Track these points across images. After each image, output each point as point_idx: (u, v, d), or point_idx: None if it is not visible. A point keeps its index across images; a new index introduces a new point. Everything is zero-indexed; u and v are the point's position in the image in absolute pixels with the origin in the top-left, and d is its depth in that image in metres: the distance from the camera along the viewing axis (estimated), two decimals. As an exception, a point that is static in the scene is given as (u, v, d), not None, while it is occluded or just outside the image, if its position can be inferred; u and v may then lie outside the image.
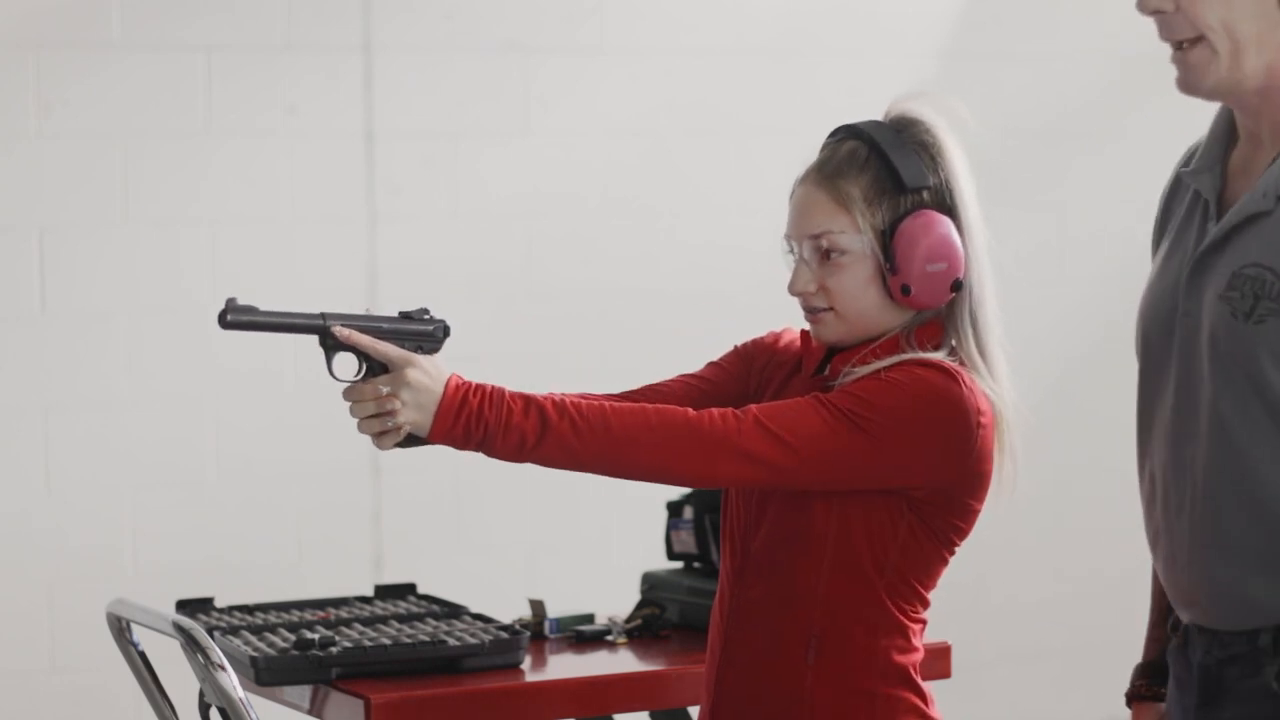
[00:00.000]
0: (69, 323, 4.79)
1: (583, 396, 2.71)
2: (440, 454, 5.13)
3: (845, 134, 2.75)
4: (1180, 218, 2.52)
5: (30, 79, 4.74)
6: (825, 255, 2.69)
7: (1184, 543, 2.43)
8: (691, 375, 2.85)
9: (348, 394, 2.63)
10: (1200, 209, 2.48)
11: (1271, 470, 2.34)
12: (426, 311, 2.68)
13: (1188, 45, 2.39)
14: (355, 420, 2.64)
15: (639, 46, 5.34)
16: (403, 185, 5.09)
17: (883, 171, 2.69)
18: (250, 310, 2.63)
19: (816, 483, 2.63)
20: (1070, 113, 5.85)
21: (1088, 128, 5.88)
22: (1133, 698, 2.70)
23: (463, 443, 2.61)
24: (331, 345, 2.64)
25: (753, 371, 2.84)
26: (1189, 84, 2.41)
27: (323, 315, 2.64)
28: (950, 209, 2.70)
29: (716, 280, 5.37)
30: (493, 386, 2.61)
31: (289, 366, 4.92)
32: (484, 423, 2.58)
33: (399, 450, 2.66)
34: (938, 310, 2.72)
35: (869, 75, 5.50)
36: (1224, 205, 2.44)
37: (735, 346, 2.89)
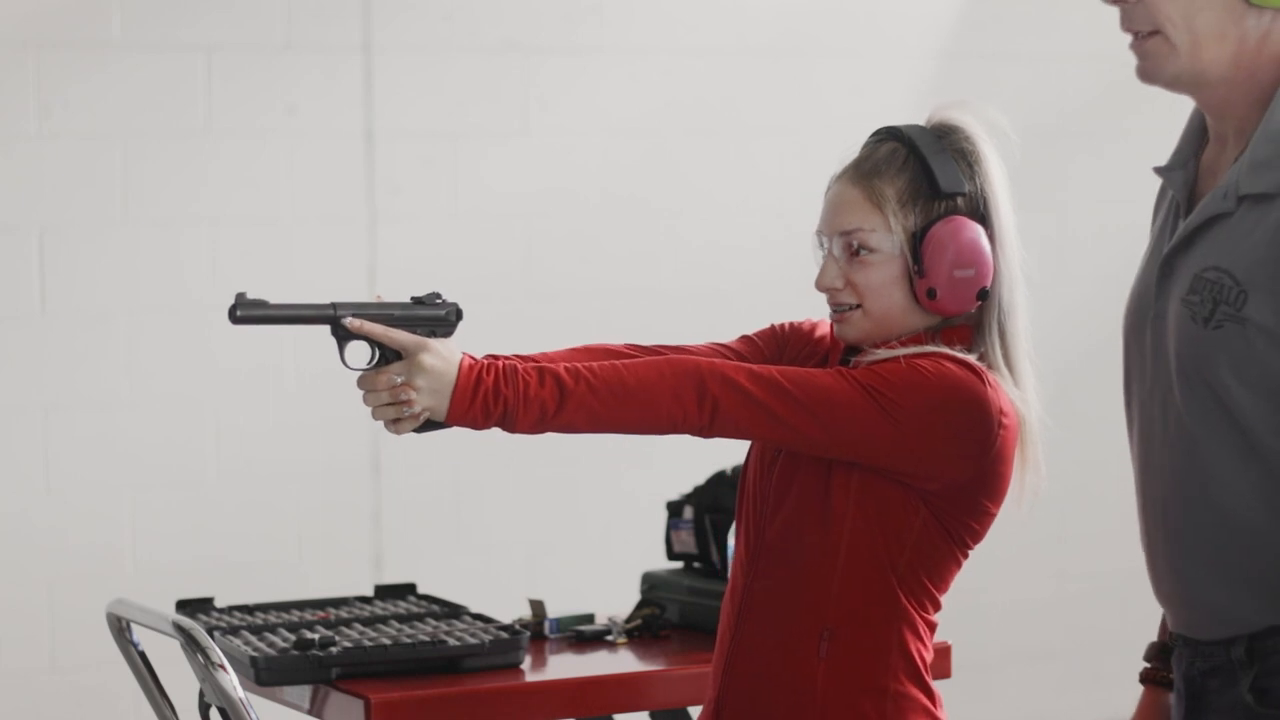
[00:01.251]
0: (69, 323, 4.79)
1: (606, 349, 2.74)
2: (440, 454, 5.15)
3: (886, 135, 2.76)
4: (1161, 216, 2.51)
5: (30, 79, 4.74)
6: (854, 253, 2.70)
7: (1160, 548, 2.42)
8: (722, 344, 2.85)
9: (362, 383, 2.62)
10: (1173, 208, 2.47)
11: (1234, 479, 2.30)
12: (439, 296, 2.67)
13: (1144, 35, 2.37)
14: (370, 408, 2.62)
15: (638, 46, 5.34)
16: (403, 185, 5.08)
17: (919, 174, 2.70)
18: (260, 304, 2.62)
19: (825, 443, 2.63)
20: (1070, 113, 5.85)
21: (1088, 128, 5.88)
22: (1144, 679, 2.65)
23: (482, 421, 2.59)
24: (343, 335, 2.63)
25: (785, 354, 2.84)
26: (1147, 73, 2.38)
27: (333, 305, 2.63)
28: (984, 217, 2.71)
29: (716, 280, 5.37)
30: (505, 362, 2.61)
31: (289, 366, 4.92)
32: (502, 399, 2.57)
33: (414, 435, 2.64)
34: (965, 317, 2.73)
35: (869, 75, 5.50)
36: (1194, 204, 2.42)
37: (773, 325, 2.89)
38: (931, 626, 2.73)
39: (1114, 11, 2.41)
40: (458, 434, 5.27)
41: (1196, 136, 2.47)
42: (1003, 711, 5.71)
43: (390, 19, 5.06)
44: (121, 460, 4.83)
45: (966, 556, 2.73)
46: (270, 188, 4.96)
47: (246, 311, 2.62)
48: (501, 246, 5.18)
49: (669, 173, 5.37)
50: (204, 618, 3.56)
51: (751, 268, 5.35)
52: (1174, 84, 2.38)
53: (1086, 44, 5.80)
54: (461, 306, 2.68)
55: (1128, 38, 2.41)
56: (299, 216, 4.98)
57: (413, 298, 2.67)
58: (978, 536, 2.72)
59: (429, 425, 2.61)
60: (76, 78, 4.77)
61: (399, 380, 2.58)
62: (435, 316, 2.65)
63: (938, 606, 2.73)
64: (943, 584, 2.72)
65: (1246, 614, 2.32)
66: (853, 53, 5.56)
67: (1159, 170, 2.49)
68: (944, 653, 3.37)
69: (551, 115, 5.24)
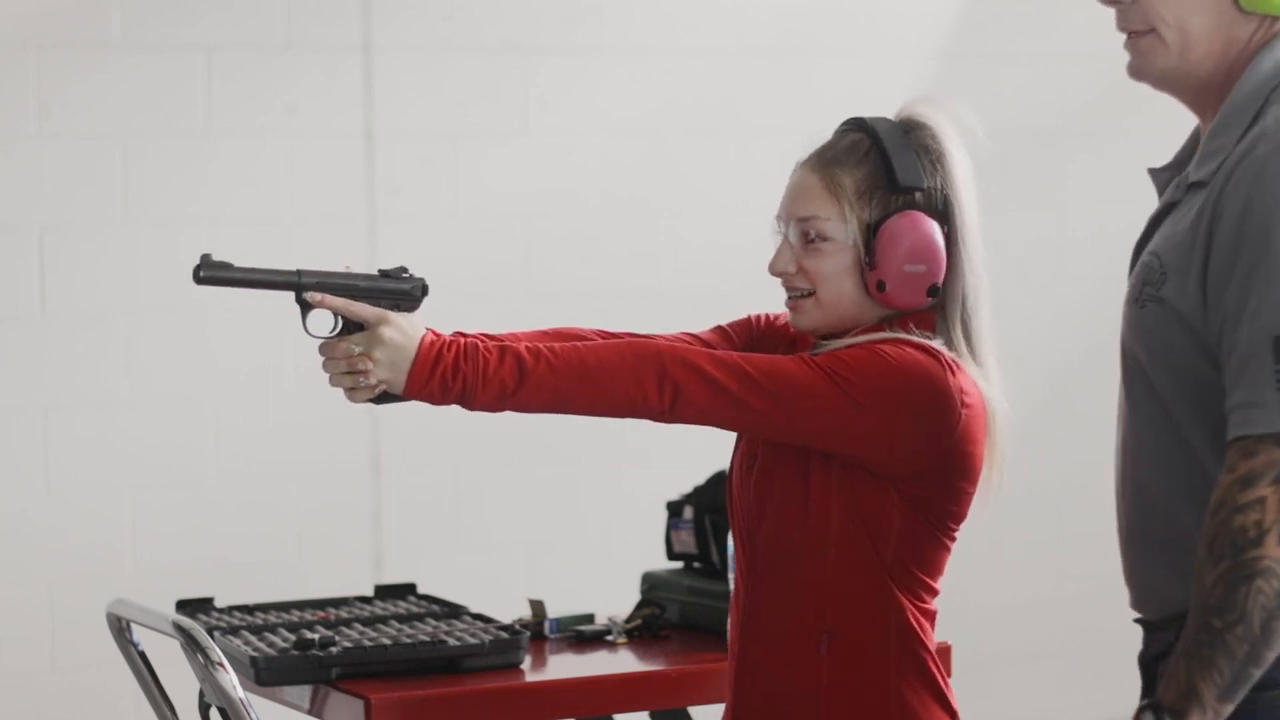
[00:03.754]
0: (69, 323, 4.79)
1: (574, 333, 2.77)
2: (440, 454, 5.14)
3: (852, 126, 2.78)
4: None
5: (30, 79, 4.74)
6: (809, 240, 2.72)
7: (1118, 526, 2.48)
8: (693, 334, 2.86)
9: (322, 349, 2.65)
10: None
11: (1152, 456, 2.35)
12: (405, 270, 2.68)
13: (1139, 34, 2.41)
14: (328, 375, 2.64)
15: (638, 46, 5.34)
16: (403, 185, 5.08)
17: (879, 167, 2.71)
18: (225, 267, 2.61)
19: (787, 427, 2.63)
20: (1070, 113, 5.85)
21: (1088, 128, 5.88)
22: None
23: (440, 397, 2.62)
24: (307, 301, 2.64)
25: (759, 345, 2.85)
26: (1138, 69, 2.43)
27: (298, 273, 2.64)
28: (944, 215, 2.72)
29: (716, 279, 5.37)
30: (467, 339, 2.63)
31: (289, 366, 4.92)
32: (461, 375, 2.59)
33: (373, 406, 2.67)
34: (927, 312, 2.73)
35: (869, 75, 5.50)
36: None
37: (748, 316, 2.91)
38: (930, 615, 2.73)
39: (1113, 12, 2.43)
40: (457, 434, 5.26)
41: (1196, 141, 2.50)
42: (1003, 711, 5.70)
43: (390, 19, 5.06)
44: (121, 460, 4.83)
45: (954, 539, 2.73)
46: (270, 188, 4.96)
47: (210, 272, 2.61)
48: (501, 246, 5.18)
49: (669, 173, 5.37)
50: (204, 618, 3.56)
51: (751, 268, 5.32)
52: (1161, 81, 2.42)
53: (1086, 44, 5.79)
54: (428, 283, 2.69)
55: (1124, 36, 2.44)
56: (299, 216, 4.98)
57: (379, 270, 2.67)
58: (959, 518, 2.72)
59: (386, 397, 2.64)
60: (76, 78, 4.77)
61: (357, 350, 2.60)
62: (400, 290, 2.66)
63: (934, 594, 2.73)
64: (934, 570, 2.73)
65: (1173, 591, 2.35)
66: (853, 53, 5.56)
67: (1151, 171, 2.52)
68: (944, 652, 3.37)
69: (551, 115, 5.24)
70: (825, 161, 2.74)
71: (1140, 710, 2.21)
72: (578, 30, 5.26)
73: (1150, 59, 2.40)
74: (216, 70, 4.89)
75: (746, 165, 5.40)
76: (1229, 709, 2.19)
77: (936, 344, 2.68)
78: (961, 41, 5.70)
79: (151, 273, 4.85)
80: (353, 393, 2.63)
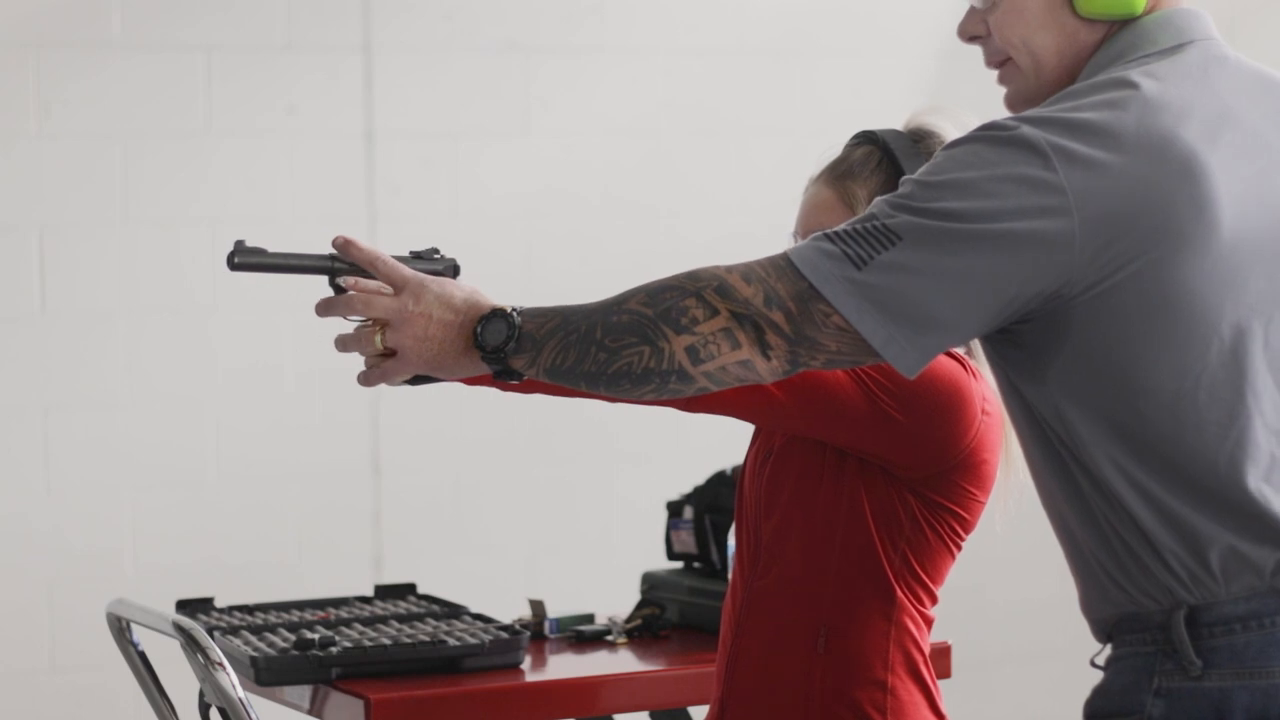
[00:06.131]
0: (69, 323, 4.79)
1: None
2: (440, 454, 5.13)
3: (862, 139, 2.81)
4: None
5: (30, 79, 4.74)
6: None
7: None
8: None
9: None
10: None
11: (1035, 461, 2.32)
12: (437, 251, 2.68)
13: (1000, 65, 2.41)
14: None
15: (639, 46, 5.34)
16: (403, 185, 5.08)
17: (892, 177, 2.73)
18: (259, 252, 2.61)
19: (809, 421, 2.64)
20: (1070, 112, 5.85)
21: (1088, 127, 5.87)
22: None
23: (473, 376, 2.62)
24: (340, 286, 2.64)
25: None
26: (1007, 99, 2.42)
27: (332, 257, 2.63)
28: None
29: (716, 280, 5.37)
30: None
31: (289, 366, 4.92)
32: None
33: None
34: None
35: (869, 75, 5.50)
36: None
37: None
38: (928, 620, 2.75)
39: None
40: (457, 435, 5.25)
41: None
42: (1003, 711, 5.70)
43: (390, 19, 5.06)
44: (121, 460, 4.83)
45: (960, 548, 2.75)
46: (270, 188, 4.96)
47: (245, 259, 2.61)
48: (501, 246, 5.18)
49: (669, 173, 5.37)
50: (204, 618, 3.57)
51: (751, 268, 5.34)
52: (1029, 105, 2.38)
53: (1086, 44, 5.80)
54: (460, 264, 2.69)
55: None
56: (299, 216, 4.98)
57: (411, 252, 2.67)
58: (968, 525, 2.74)
59: (420, 379, 2.63)
60: (76, 78, 4.77)
61: None
62: (433, 271, 2.67)
63: (934, 600, 2.75)
64: (937, 576, 2.74)
65: (1087, 595, 2.35)
66: (853, 53, 5.56)
67: None
68: (944, 653, 3.37)
69: (551, 115, 5.24)
70: (838, 175, 2.76)
71: (490, 316, 2.29)
72: (578, 30, 5.27)
73: (1013, 86, 2.39)
74: (216, 70, 4.89)
75: (746, 165, 5.41)
76: (543, 378, 2.29)
77: (960, 349, 2.69)
78: (961, 42, 5.70)
79: (151, 273, 4.85)
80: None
